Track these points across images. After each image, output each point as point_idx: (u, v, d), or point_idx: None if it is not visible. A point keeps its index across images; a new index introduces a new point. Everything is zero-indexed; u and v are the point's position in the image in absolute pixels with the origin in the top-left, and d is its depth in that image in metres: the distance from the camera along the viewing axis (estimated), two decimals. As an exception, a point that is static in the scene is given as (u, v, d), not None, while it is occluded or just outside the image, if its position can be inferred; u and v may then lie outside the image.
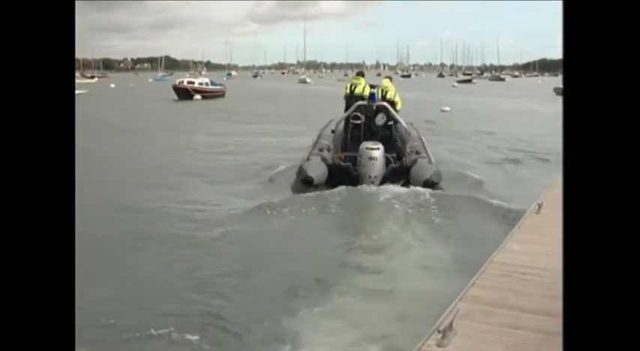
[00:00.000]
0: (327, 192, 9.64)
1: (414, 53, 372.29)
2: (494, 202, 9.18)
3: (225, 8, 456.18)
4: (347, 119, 11.45)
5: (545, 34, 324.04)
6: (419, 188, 9.66)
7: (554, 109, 34.73)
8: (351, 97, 11.83)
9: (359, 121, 11.26)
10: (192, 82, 45.36)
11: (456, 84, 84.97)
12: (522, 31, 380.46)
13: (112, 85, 73.02)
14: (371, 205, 9.23)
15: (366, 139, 10.70)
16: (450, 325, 3.32)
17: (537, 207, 6.40)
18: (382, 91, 11.88)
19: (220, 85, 49.78)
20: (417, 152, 10.98)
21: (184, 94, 42.93)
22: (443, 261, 6.75)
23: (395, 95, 11.76)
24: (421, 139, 11.88)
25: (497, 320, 3.61)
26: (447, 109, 31.50)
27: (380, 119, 11.26)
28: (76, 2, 2.29)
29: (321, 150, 11.17)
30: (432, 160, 10.64)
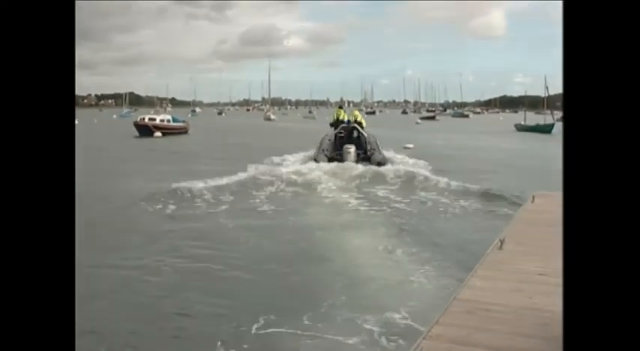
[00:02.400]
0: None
1: (377, 90, 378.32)
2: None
3: (190, 45, 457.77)
4: (336, 134, 22.73)
5: (504, 73, 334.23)
6: (369, 165, 19.47)
7: (515, 144, 35.74)
8: (337, 121, 23.71)
9: (343, 134, 22.56)
10: (154, 119, 45.43)
11: (419, 121, 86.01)
12: (482, 69, 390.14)
13: (76, 122, 71.93)
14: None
15: (348, 143, 21.34)
16: (415, 364, 3.30)
17: (499, 243, 6.44)
18: (355, 117, 23.57)
19: (183, 121, 49.90)
20: (374, 149, 21.58)
21: (145, 130, 43.12)
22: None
23: (362, 120, 23.48)
24: (377, 143, 22.47)
25: (461, 358, 3.59)
26: (411, 146, 31.82)
27: (355, 133, 22.52)
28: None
29: (323, 150, 21.41)
30: (381, 152, 21.45)
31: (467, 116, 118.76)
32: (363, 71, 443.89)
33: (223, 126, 65.09)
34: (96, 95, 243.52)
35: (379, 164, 19.49)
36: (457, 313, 4.41)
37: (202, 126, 59.19)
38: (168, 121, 46.44)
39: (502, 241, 6.44)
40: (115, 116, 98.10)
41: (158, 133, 43.13)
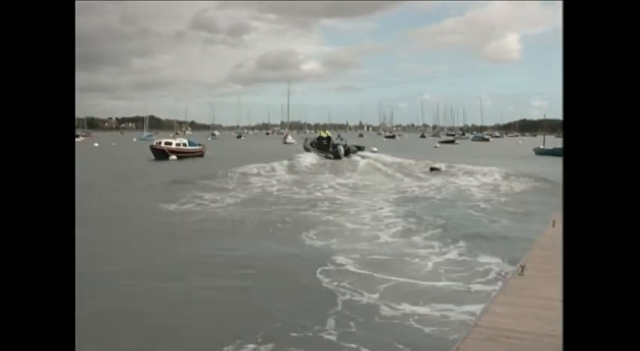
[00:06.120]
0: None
1: (395, 114, 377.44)
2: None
3: (208, 69, 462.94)
4: (322, 142, 50.61)
5: (522, 96, 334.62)
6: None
7: (535, 168, 35.58)
8: (320, 138, 51.64)
9: (325, 142, 49.70)
10: (170, 143, 46.69)
11: (437, 145, 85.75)
12: (500, 93, 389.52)
13: (96, 145, 73.32)
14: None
15: (336, 146, 47.42)
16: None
17: (520, 269, 6.39)
18: (326, 134, 52.88)
19: (199, 145, 51.03)
20: (349, 147, 48.60)
21: (161, 154, 44.38)
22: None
23: (329, 135, 52.39)
24: (348, 146, 48.94)
25: (482, 386, 3.55)
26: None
27: (332, 141, 49.63)
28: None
29: (309, 150, 50.70)
30: (354, 149, 49.17)
31: (487, 140, 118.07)
32: (380, 95, 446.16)
33: (241, 150, 64.91)
34: (117, 119, 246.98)
35: (354, 151, 46.48)
36: (478, 340, 4.38)
37: (221, 149, 59.48)
38: (184, 144, 47.73)
39: (523, 267, 6.39)
40: (135, 139, 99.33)
41: (173, 157, 44.21)
